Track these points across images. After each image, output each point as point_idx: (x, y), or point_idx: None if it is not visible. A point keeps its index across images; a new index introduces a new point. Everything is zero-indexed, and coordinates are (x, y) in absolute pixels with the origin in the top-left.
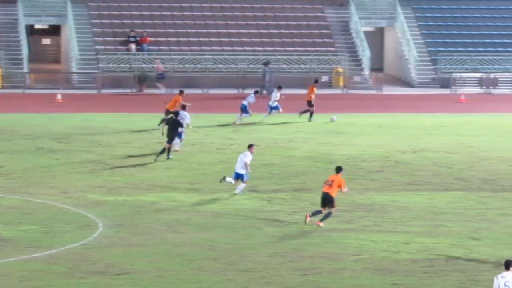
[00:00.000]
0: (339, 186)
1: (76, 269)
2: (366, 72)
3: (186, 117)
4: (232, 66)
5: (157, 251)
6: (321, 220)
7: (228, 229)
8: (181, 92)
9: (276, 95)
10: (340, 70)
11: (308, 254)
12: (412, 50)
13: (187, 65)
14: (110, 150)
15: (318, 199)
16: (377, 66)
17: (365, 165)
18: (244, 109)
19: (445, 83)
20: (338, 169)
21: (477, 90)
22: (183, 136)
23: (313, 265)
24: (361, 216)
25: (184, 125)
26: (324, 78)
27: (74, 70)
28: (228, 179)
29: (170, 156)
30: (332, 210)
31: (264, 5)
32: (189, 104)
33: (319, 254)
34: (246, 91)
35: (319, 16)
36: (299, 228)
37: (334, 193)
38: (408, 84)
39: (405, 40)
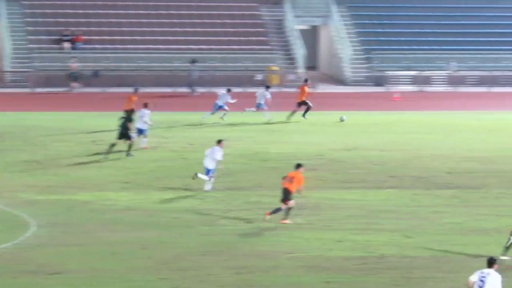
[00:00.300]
0: (298, 183)
1: (7, 269)
2: (300, 70)
3: (146, 114)
4: (167, 64)
5: (90, 250)
6: (284, 218)
7: (161, 228)
8: (136, 90)
9: (265, 93)
10: (275, 68)
11: (242, 253)
12: (346, 48)
13: (121, 64)
14: (43, 149)
15: (252, 197)
16: (312, 65)
17: None
18: (221, 107)
19: (379, 81)
20: (298, 166)
21: (410, 88)
22: (146, 133)
23: (246, 263)
24: (294, 214)
25: (148, 121)
26: (259, 77)
27: (7, 69)
28: (200, 175)
29: (131, 153)
30: (284, 206)
31: (199, 4)
32: (150, 102)
33: (252, 253)
34: (180, 89)
35: (254, 15)
36: (233, 226)
37: (293, 189)
38: (342, 82)
39: (339, 39)
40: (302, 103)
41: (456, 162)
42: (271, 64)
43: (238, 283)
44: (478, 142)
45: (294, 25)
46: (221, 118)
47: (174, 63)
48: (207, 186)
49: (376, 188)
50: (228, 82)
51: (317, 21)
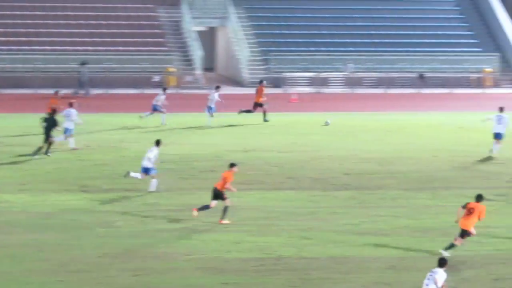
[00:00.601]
0: (226, 181)
1: None
2: (198, 71)
3: (73, 114)
4: (63, 65)
5: None
6: (222, 218)
7: (58, 230)
8: (56, 92)
9: (214, 96)
10: (172, 69)
11: (139, 255)
12: (243, 49)
13: (17, 65)
14: None
15: (149, 199)
16: (209, 66)
17: (196, 165)
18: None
19: (277, 83)
20: (231, 165)
21: (308, 89)
22: (72, 132)
23: (143, 265)
24: (191, 216)
25: (77, 120)
26: (156, 78)
27: None
28: (133, 174)
29: (49, 153)
30: (227, 203)
31: (95, 5)
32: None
33: (150, 254)
34: (74, 91)
35: (151, 16)
36: (130, 228)
37: (221, 187)
38: (240, 83)
39: (237, 40)
40: (258, 105)
41: (354, 163)
42: (168, 66)
43: (135, 285)
44: (375, 143)
45: (192, 27)
46: (141, 117)
47: (70, 64)
48: (151, 187)
49: (274, 190)
50: (125, 83)
51: (214, 23)
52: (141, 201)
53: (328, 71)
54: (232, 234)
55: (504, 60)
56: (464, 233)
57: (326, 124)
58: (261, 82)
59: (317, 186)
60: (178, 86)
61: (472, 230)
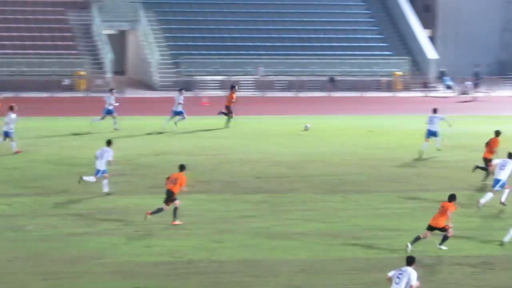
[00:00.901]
0: (181, 184)
1: None
2: (108, 75)
3: (12, 117)
4: None
5: None
6: (174, 220)
7: None
8: None
9: (180, 98)
10: (82, 73)
11: (49, 258)
12: (154, 53)
13: None
14: None
15: (60, 202)
16: (120, 69)
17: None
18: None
19: (188, 86)
20: (181, 167)
21: (219, 93)
22: (12, 136)
23: (54, 269)
24: (102, 220)
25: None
26: (66, 81)
27: None
28: (86, 178)
29: None
30: (166, 207)
31: (4, 8)
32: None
33: (60, 258)
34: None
35: (61, 19)
36: (41, 232)
37: (177, 190)
38: (150, 87)
39: (147, 43)
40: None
41: (265, 167)
42: (78, 69)
43: None
44: (286, 147)
45: (102, 30)
46: (91, 122)
47: None
48: (105, 188)
49: (184, 193)
50: (35, 87)
51: (124, 26)
52: (51, 204)
53: (239, 74)
54: (143, 238)
55: (414, 63)
56: (432, 229)
57: (306, 128)
58: (233, 87)
59: (228, 190)
60: (88, 89)
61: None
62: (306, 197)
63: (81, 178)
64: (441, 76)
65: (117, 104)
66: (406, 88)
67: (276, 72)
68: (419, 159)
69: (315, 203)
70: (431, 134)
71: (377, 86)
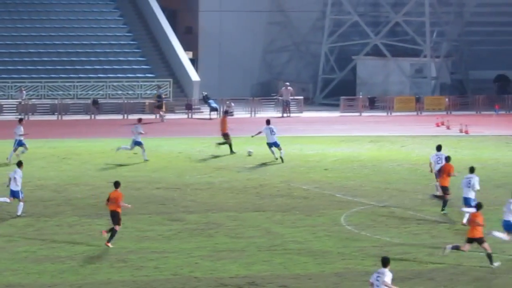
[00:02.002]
0: (117, 201)
1: None
2: None
3: None
4: None
5: None
6: (108, 241)
7: None
8: None
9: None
10: None
11: None
12: None
13: None
14: None
15: None
16: None
17: None
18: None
19: None
20: (116, 184)
21: None
22: None
23: None
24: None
25: None
26: None
27: None
28: (2, 199)
29: None
30: (118, 227)
31: None
32: None
33: None
34: None
35: None
36: None
37: (119, 209)
38: None
39: None
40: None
41: (29, 190)
42: None
43: None
44: (50, 170)
45: None
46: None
47: None
48: (19, 210)
49: None
50: None
51: None
52: None
53: (2, 98)
54: None
55: (177, 85)
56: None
57: (249, 154)
58: (226, 112)
59: None
60: None
61: None
62: (72, 221)
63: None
64: (205, 100)
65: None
66: (170, 110)
67: (39, 95)
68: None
69: (81, 226)
70: (274, 144)
71: (141, 108)
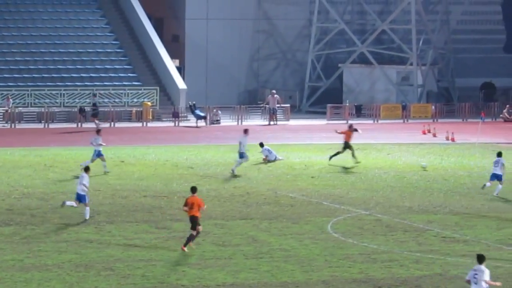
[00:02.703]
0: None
1: None
2: None
3: None
4: None
5: None
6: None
7: None
8: None
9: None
10: None
11: None
12: None
13: None
14: None
15: None
16: None
17: None
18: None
19: None
20: (193, 189)
21: None
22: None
23: None
24: None
25: None
26: None
27: None
28: (69, 202)
29: None
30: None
31: None
32: None
33: None
34: None
35: None
36: None
37: (198, 213)
38: None
39: None
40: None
41: (16, 199)
42: None
43: None
44: (37, 178)
45: None
46: None
47: None
48: (86, 214)
49: None
50: None
51: None
52: None
53: None
54: None
55: (164, 93)
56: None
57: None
58: (350, 126)
59: None
60: None
61: None
62: (59, 228)
63: (63, 203)
64: (192, 109)
65: None
66: (157, 118)
67: (26, 103)
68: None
69: (68, 234)
70: (495, 177)
71: (127, 117)
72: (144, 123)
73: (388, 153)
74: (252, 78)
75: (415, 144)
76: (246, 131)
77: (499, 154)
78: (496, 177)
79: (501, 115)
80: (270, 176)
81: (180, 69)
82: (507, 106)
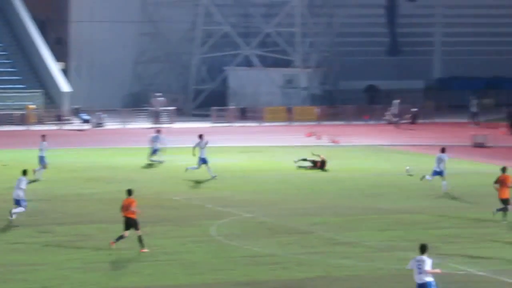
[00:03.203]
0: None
1: None
2: None
3: None
4: None
5: None
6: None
7: None
8: None
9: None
10: None
11: None
12: None
13: None
14: None
15: None
16: None
17: None
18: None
19: None
20: (130, 192)
21: None
22: None
23: None
24: None
25: None
26: None
27: None
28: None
29: None
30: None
31: None
32: None
33: None
34: None
35: None
36: None
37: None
38: None
39: None
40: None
41: None
42: None
43: None
44: None
45: None
46: None
47: None
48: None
49: None
50: None
51: None
52: None
53: None
54: None
55: (47, 96)
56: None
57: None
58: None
59: None
60: None
61: None
62: None
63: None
64: (76, 113)
65: None
66: (40, 121)
67: None
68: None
69: None
70: (437, 173)
71: (10, 120)
72: (28, 126)
73: (272, 156)
74: (137, 81)
75: (300, 146)
76: (201, 136)
77: (443, 150)
78: (437, 173)
79: (384, 117)
80: (155, 179)
81: (65, 72)
82: (391, 108)
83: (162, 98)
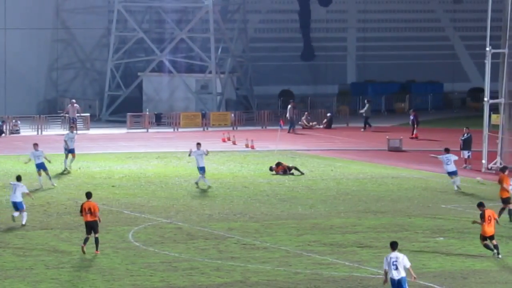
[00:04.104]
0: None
1: None
2: None
3: None
4: None
5: None
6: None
7: None
8: None
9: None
10: None
11: None
12: None
13: None
14: None
15: None
16: None
17: None
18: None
19: None
20: (89, 195)
21: None
22: None
23: None
24: None
25: None
26: None
27: None
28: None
29: None
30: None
31: None
32: None
33: None
34: None
35: None
36: None
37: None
38: None
39: None
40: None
41: None
42: None
43: None
44: None
45: None
46: None
47: None
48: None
49: None
50: None
51: None
52: None
53: None
54: None
55: None
56: None
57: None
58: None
59: None
60: None
61: None
62: None
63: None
64: None
65: None
66: None
67: None
68: None
69: None
70: (452, 173)
71: None
72: None
73: (188, 161)
74: (52, 87)
75: (215, 152)
76: (199, 145)
77: (447, 150)
78: (452, 173)
79: (299, 122)
80: (71, 186)
81: None
82: (306, 113)
83: (77, 105)
